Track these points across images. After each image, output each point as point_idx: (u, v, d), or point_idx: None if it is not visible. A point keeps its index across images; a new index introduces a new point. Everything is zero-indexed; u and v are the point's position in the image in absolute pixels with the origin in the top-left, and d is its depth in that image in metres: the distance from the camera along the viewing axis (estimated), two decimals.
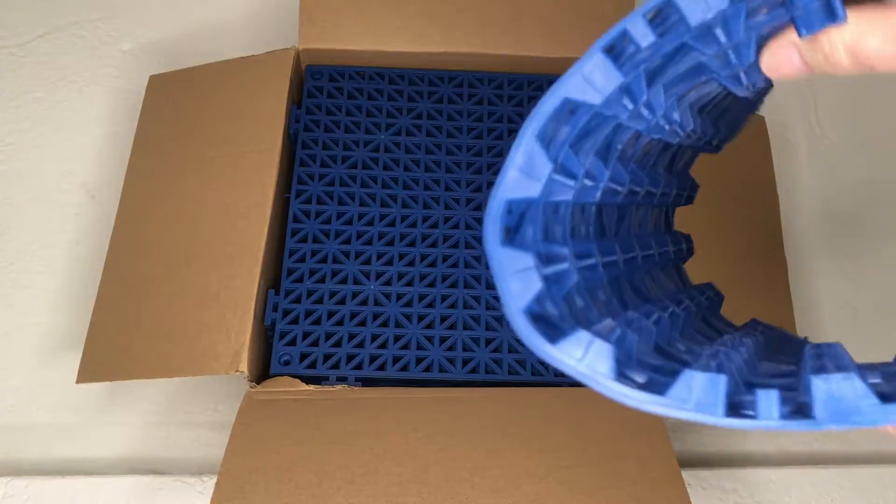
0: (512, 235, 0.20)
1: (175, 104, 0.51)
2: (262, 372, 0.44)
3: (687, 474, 0.40)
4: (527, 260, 0.19)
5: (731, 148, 0.54)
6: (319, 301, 0.45)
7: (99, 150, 0.55)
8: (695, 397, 0.19)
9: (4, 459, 0.46)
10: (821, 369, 0.20)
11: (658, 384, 0.19)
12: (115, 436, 0.47)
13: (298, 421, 0.41)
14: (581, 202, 0.24)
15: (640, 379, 0.20)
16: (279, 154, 0.47)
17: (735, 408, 0.19)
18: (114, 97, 0.57)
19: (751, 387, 0.19)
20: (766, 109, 0.58)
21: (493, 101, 0.52)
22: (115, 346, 0.43)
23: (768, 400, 0.18)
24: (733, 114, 0.31)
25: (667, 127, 0.24)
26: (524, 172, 0.20)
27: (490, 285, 0.46)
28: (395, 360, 0.44)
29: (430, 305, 0.46)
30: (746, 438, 0.49)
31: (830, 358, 0.22)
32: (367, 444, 0.39)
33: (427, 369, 0.44)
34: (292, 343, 0.44)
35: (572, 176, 0.22)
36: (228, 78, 0.51)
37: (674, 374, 0.19)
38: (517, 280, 0.19)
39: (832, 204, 0.57)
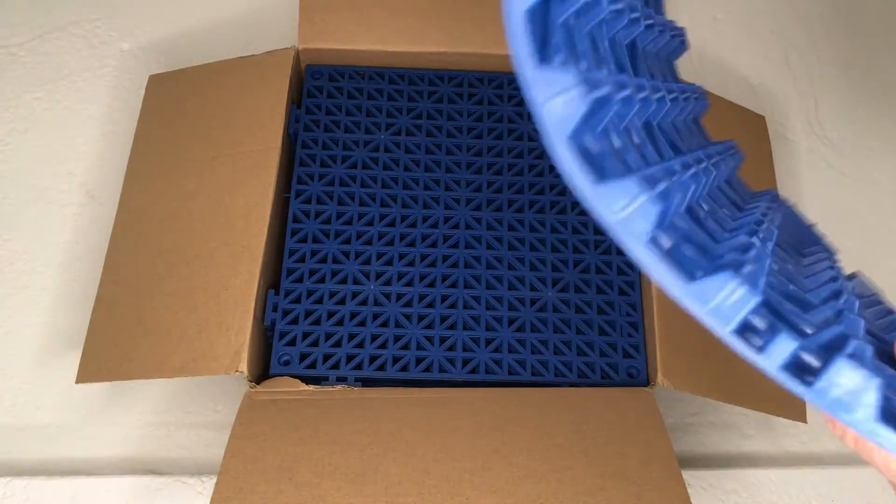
0: (546, 51, 0.17)
1: (175, 104, 0.51)
2: (262, 372, 0.44)
3: (687, 474, 0.40)
4: (568, 79, 0.17)
5: None
6: (319, 301, 0.45)
7: (99, 150, 0.55)
8: (715, 303, 0.17)
9: (4, 459, 0.46)
10: (851, 332, 0.18)
11: (687, 264, 0.17)
12: (115, 436, 0.47)
13: (298, 421, 0.41)
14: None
15: (667, 244, 0.18)
16: (279, 154, 0.47)
17: (745, 330, 0.17)
18: (113, 97, 0.57)
19: (790, 299, 0.18)
20: (766, 109, 0.58)
21: (493, 101, 0.52)
22: (115, 346, 0.43)
23: (783, 344, 0.17)
24: None
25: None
26: None
27: (490, 285, 0.46)
28: (395, 360, 0.44)
29: (430, 305, 0.46)
30: (746, 439, 0.49)
31: (872, 319, 0.21)
32: (367, 444, 0.39)
33: (427, 369, 0.44)
34: (292, 343, 0.44)
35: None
36: (228, 78, 0.51)
37: (711, 268, 0.17)
38: (560, 103, 0.17)
39: (832, 204, 0.57)
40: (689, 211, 0.21)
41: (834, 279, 0.24)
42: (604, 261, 0.48)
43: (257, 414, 0.41)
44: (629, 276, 0.47)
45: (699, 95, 0.32)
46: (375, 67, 0.52)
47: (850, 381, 0.17)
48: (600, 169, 0.17)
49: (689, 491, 0.38)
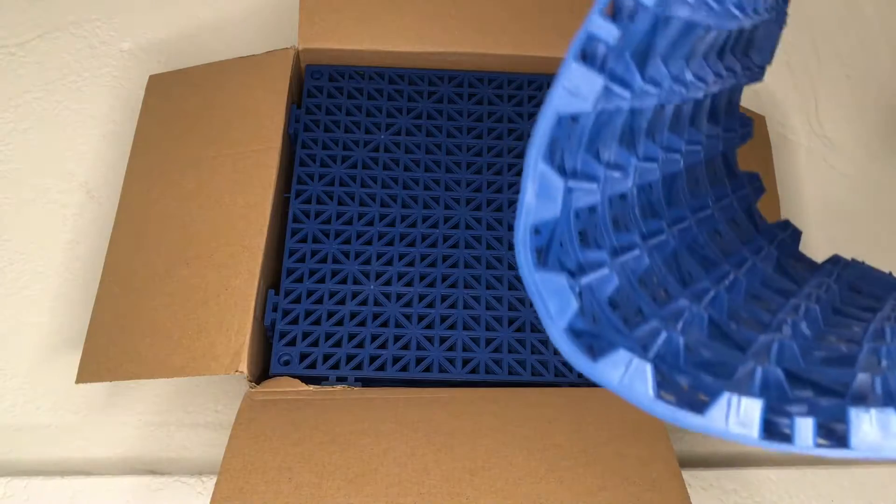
0: (544, 256, 0.21)
1: (175, 104, 0.51)
2: (262, 372, 0.44)
3: (687, 474, 0.40)
4: (560, 280, 0.20)
5: None
6: (319, 301, 0.45)
7: (98, 149, 0.55)
8: (732, 421, 0.19)
9: (4, 459, 0.46)
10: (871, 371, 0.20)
11: (696, 403, 0.19)
12: (115, 436, 0.47)
13: (298, 421, 0.41)
14: (616, 194, 0.24)
15: (684, 383, 0.20)
16: (279, 154, 0.47)
17: (772, 429, 0.19)
18: (113, 97, 0.57)
19: (799, 382, 0.19)
20: (766, 109, 0.58)
21: (493, 101, 0.52)
22: (115, 346, 0.43)
23: (805, 428, 0.18)
24: (760, 37, 0.30)
25: (683, 90, 0.24)
26: (541, 196, 0.20)
27: (490, 285, 0.46)
28: (395, 360, 0.44)
29: (430, 305, 0.46)
30: None
31: (889, 357, 0.22)
32: (367, 444, 0.39)
33: (427, 369, 0.44)
34: (292, 343, 0.44)
35: (594, 179, 0.22)
36: (228, 78, 0.51)
37: (714, 393, 0.19)
38: (554, 301, 0.20)
39: (832, 204, 0.57)
40: (716, 329, 0.23)
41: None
42: None
43: (257, 414, 0.41)
44: None
45: (758, 187, 0.33)
46: (375, 67, 0.52)
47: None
48: (591, 349, 0.20)
49: (689, 491, 0.38)
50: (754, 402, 0.18)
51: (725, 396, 0.19)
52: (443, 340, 0.45)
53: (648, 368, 0.19)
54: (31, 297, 0.51)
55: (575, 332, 0.20)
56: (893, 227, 0.57)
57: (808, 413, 0.18)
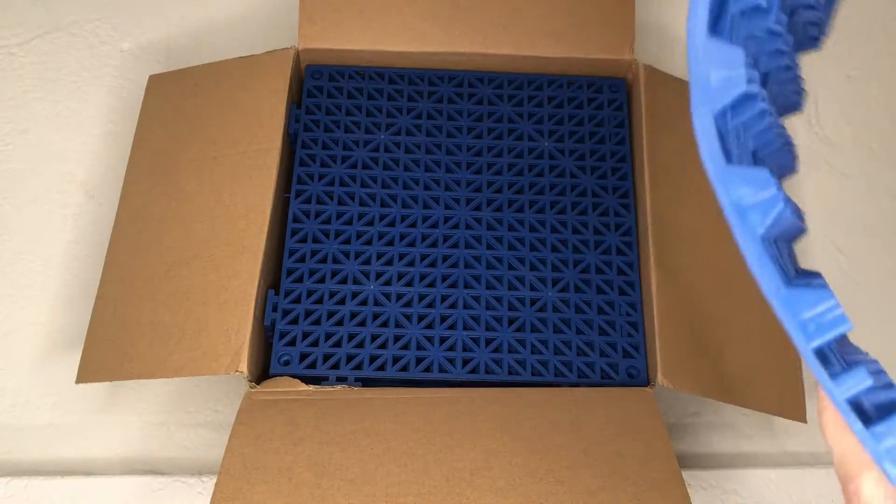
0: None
1: (175, 104, 0.51)
2: (262, 372, 0.44)
3: (687, 474, 0.40)
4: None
5: None
6: (319, 301, 0.45)
7: (99, 150, 0.55)
8: (808, 315, 0.18)
9: (4, 459, 0.46)
10: None
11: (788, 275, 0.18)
12: (115, 436, 0.47)
13: (298, 421, 0.41)
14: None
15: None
16: (279, 154, 0.47)
17: (823, 353, 0.18)
18: (113, 97, 0.57)
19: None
20: None
21: (493, 101, 0.52)
22: (115, 346, 0.43)
23: (857, 379, 0.18)
24: None
25: None
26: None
27: (490, 285, 0.46)
28: (395, 360, 0.44)
29: (430, 305, 0.46)
30: (746, 439, 0.49)
31: None
32: (367, 444, 0.39)
33: (427, 369, 0.44)
34: (292, 343, 0.44)
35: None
36: (228, 78, 0.51)
37: (816, 284, 0.18)
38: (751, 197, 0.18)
39: (832, 204, 0.57)
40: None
41: None
42: (604, 261, 0.48)
43: (257, 414, 0.41)
44: (629, 276, 0.47)
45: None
46: (375, 67, 0.52)
47: None
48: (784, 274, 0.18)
49: (689, 491, 0.38)
50: (845, 322, 0.17)
51: (827, 294, 0.17)
52: (443, 340, 0.45)
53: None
54: (31, 297, 0.51)
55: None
56: (893, 227, 0.57)
57: None
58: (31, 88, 0.57)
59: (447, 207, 0.49)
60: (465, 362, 0.44)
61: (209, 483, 0.45)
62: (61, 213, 0.53)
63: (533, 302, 0.46)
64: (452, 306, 0.46)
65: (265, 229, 0.45)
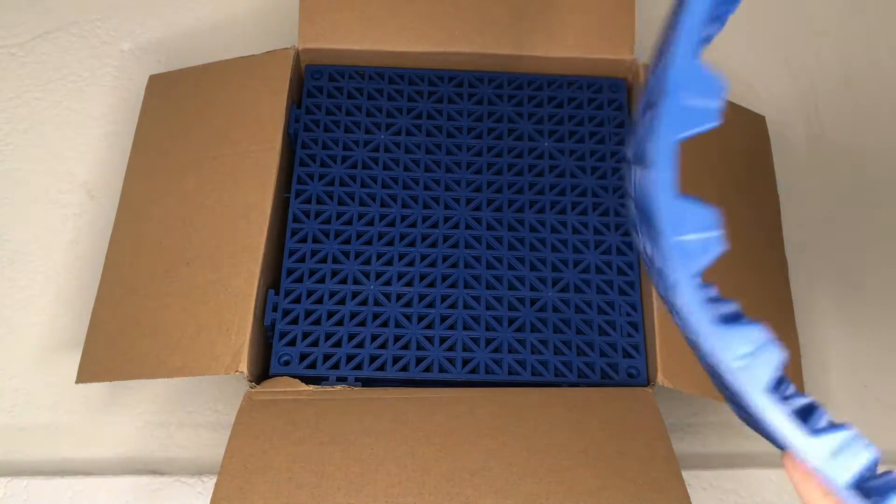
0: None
1: (175, 104, 0.51)
2: (262, 372, 0.44)
3: (687, 474, 0.40)
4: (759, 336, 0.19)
5: (731, 148, 0.54)
6: (319, 301, 0.45)
7: (99, 150, 0.55)
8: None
9: (4, 459, 0.46)
10: None
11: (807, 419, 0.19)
12: (115, 436, 0.47)
13: (298, 421, 0.41)
14: None
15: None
16: (279, 154, 0.47)
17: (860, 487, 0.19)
18: (114, 97, 0.57)
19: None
20: (767, 109, 0.58)
21: (493, 101, 0.52)
22: (115, 346, 0.43)
23: None
24: None
25: None
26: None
27: (490, 285, 0.46)
28: (395, 360, 0.44)
29: (430, 305, 0.46)
30: (746, 439, 0.49)
31: None
32: (367, 444, 0.39)
33: (427, 369, 0.44)
34: (292, 343, 0.44)
35: None
36: (228, 78, 0.51)
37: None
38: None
39: (832, 204, 0.57)
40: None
41: None
42: (604, 261, 0.48)
43: (257, 414, 0.41)
44: (629, 276, 0.47)
45: None
46: (375, 67, 0.52)
47: None
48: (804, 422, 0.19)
49: (689, 491, 0.38)
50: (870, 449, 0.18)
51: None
52: (443, 340, 0.45)
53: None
54: (31, 297, 0.51)
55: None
56: (893, 229, 0.57)
57: None
58: (31, 88, 0.57)
59: (447, 207, 0.49)
60: (465, 362, 0.44)
61: (209, 483, 0.45)
62: (61, 213, 0.53)
63: (533, 302, 0.46)
64: (452, 306, 0.46)
65: (265, 229, 0.45)
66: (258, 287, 0.43)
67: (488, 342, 0.45)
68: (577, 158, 0.50)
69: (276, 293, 0.45)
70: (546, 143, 0.51)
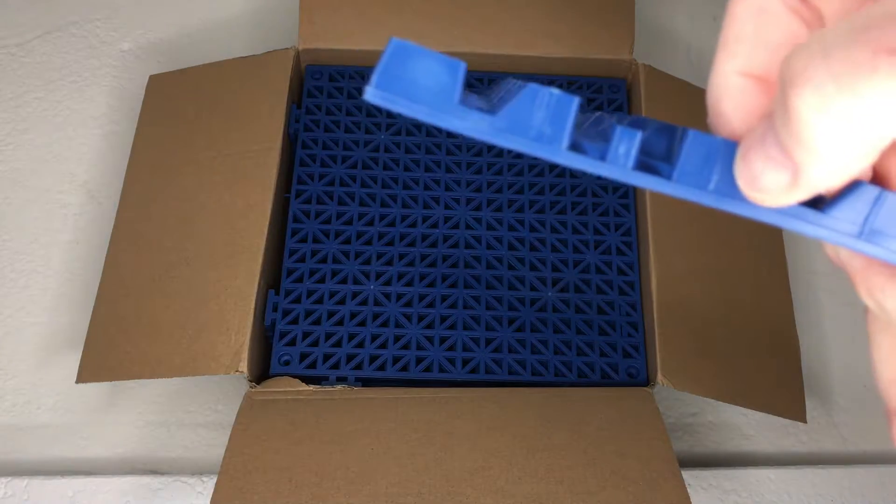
0: None
1: (175, 104, 0.51)
2: (262, 372, 0.44)
3: (687, 474, 0.40)
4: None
5: None
6: (319, 301, 0.45)
7: (99, 150, 0.55)
8: (537, 123, 0.15)
9: (4, 459, 0.46)
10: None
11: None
12: (115, 436, 0.47)
13: (298, 421, 0.41)
14: None
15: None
16: (279, 154, 0.47)
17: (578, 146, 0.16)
18: (114, 97, 0.57)
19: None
20: None
21: None
22: (115, 346, 0.43)
23: (628, 141, 0.15)
24: None
25: None
26: None
27: (490, 285, 0.46)
28: (395, 360, 0.44)
29: (430, 305, 0.46)
30: (746, 439, 0.49)
31: None
32: (367, 444, 0.39)
33: (427, 369, 0.44)
34: (292, 343, 0.44)
35: None
36: (228, 78, 0.51)
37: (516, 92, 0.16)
38: None
39: None
40: None
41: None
42: (604, 261, 0.48)
43: (257, 414, 0.41)
44: (629, 276, 0.47)
45: None
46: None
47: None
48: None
49: (689, 491, 0.38)
50: (571, 99, 0.15)
51: (531, 89, 0.15)
52: (443, 340, 0.45)
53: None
54: (31, 297, 0.51)
55: None
56: None
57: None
58: (31, 88, 0.57)
59: (447, 207, 0.49)
60: (465, 362, 0.44)
61: (209, 483, 0.45)
62: (61, 213, 0.53)
63: (533, 302, 0.46)
64: (452, 306, 0.46)
65: (265, 229, 0.45)
66: (258, 287, 0.43)
67: (488, 342, 0.45)
68: None
69: (276, 293, 0.45)
70: None
